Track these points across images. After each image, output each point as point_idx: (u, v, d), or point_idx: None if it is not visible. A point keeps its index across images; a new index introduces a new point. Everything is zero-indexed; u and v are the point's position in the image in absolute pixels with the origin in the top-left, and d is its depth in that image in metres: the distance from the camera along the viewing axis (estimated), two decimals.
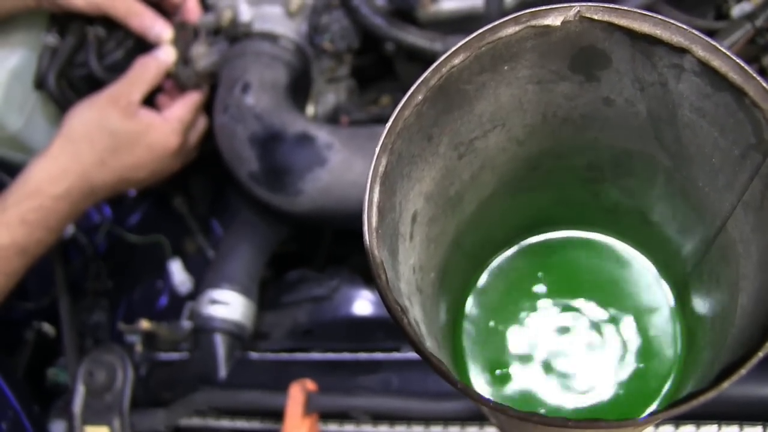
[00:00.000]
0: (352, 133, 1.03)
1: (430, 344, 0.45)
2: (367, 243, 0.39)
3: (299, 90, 1.12)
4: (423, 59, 1.03)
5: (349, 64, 1.14)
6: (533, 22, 0.42)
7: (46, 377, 1.21)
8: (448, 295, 0.57)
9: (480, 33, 0.42)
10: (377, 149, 0.40)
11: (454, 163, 0.49)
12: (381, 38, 1.05)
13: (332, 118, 1.12)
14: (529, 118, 0.49)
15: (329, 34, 1.09)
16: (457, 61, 0.42)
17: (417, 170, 0.46)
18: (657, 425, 0.82)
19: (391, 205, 0.43)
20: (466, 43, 0.42)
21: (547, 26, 0.41)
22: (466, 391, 0.35)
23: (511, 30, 0.42)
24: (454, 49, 0.41)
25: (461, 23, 1.06)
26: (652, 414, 0.32)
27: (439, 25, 1.05)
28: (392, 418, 0.91)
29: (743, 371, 0.32)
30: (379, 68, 1.18)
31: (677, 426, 0.81)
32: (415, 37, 1.01)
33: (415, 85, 0.42)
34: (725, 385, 0.32)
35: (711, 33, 0.92)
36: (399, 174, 0.43)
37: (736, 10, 0.94)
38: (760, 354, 0.32)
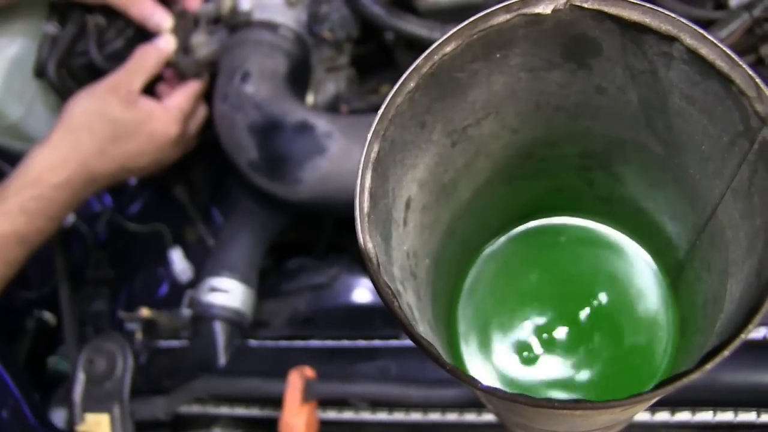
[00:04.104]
0: (352, 121, 1.03)
1: (423, 329, 0.45)
2: (359, 228, 0.39)
3: (299, 79, 1.13)
4: (423, 48, 1.03)
5: (349, 53, 1.14)
6: (524, 10, 0.42)
7: (47, 365, 1.21)
8: (444, 281, 0.57)
9: (472, 21, 0.42)
10: (369, 135, 0.41)
11: (447, 151, 0.49)
12: (380, 27, 1.05)
13: (332, 107, 1.13)
14: (523, 106, 0.49)
15: (329, 23, 1.10)
16: (448, 48, 0.42)
17: (410, 157, 0.46)
18: (653, 412, 0.82)
19: (384, 192, 0.43)
20: (457, 31, 0.42)
21: (538, 14, 0.42)
22: (455, 372, 0.35)
23: (502, 18, 0.42)
24: (445, 37, 0.42)
25: (460, 12, 1.06)
26: (635, 396, 0.33)
27: (439, 14, 1.06)
28: (391, 405, 0.92)
29: (726, 353, 0.32)
30: (379, 57, 1.18)
31: (673, 413, 0.82)
32: (414, 26, 1.02)
33: (407, 73, 0.42)
34: (708, 366, 0.32)
35: (709, 23, 0.92)
36: (392, 160, 0.43)
37: (734, 1, 0.94)
38: (743, 336, 0.32)
